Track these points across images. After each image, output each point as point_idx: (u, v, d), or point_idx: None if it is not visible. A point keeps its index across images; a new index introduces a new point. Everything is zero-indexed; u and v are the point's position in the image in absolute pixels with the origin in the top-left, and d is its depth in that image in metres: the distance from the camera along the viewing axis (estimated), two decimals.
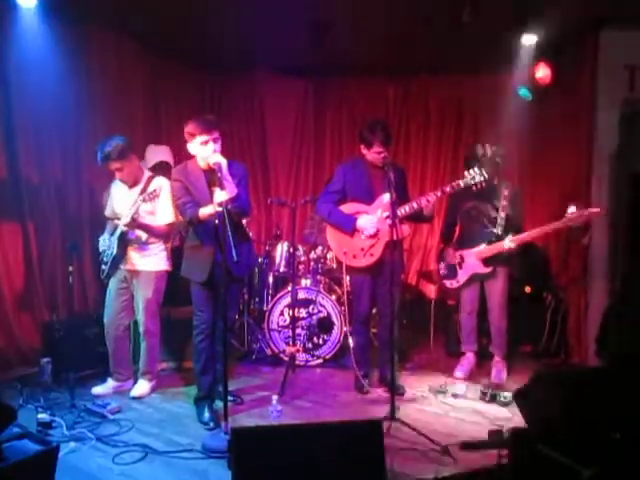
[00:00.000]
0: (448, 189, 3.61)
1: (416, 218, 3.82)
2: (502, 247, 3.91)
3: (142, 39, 4.79)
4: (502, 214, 4.00)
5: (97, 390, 3.71)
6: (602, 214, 3.71)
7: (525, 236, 3.88)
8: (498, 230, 3.99)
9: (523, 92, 4.90)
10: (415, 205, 3.64)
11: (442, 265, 4.27)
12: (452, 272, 4.18)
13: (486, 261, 4.01)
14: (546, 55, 4.61)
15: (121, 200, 3.71)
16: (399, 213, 3.56)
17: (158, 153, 4.47)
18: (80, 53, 4.28)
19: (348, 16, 4.31)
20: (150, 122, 5.10)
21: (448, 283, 4.24)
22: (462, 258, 4.12)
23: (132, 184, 3.68)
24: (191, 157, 3.37)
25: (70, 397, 3.46)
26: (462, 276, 4.13)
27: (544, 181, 5.12)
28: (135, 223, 3.51)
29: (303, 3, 4.01)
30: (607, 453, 2.10)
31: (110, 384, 3.78)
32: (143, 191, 3.53)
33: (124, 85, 4.72)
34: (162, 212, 3.65)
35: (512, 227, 4.00)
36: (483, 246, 4.01)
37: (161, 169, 4.33)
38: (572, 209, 3.69)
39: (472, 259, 4.06)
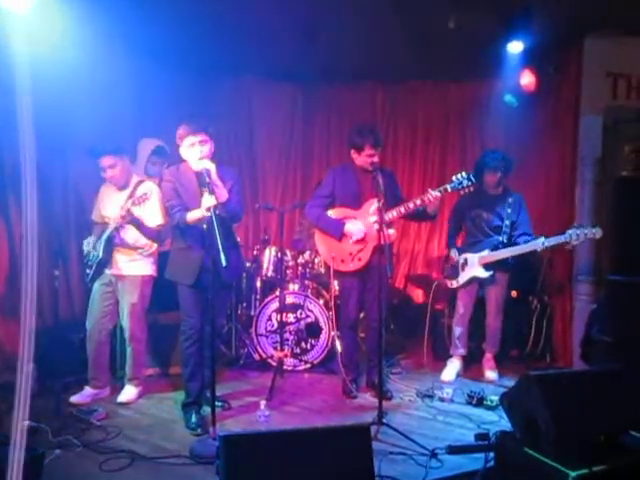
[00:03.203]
0: (436, 194, 3.63)
1: (420, 216, 3.84)
2: (536, 247, 3.90)
3: (131, 42, 4.76)
4: (507, 222, 4.13)
5: (74, 399, 3.65)
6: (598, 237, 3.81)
7: (556, 239, 3.86)
8: (503, 238, 4.12)
9: (509, 99, 4.96)
10: (402, 210, 3.66)
11: (447, 266, 4.40)
12: (455, 273, 4.30)
13: (487, 266, 4.12)
14: (531, 62, 4.67)
15: (109, 203, 3.69)
16: (388, 217, 3.58)
17: (153, 142, 4.43)
18: (69, 54, 4.24)
19: (336, 23, 4.33)
20: (138, 126, 5.07)
21: (449, 283, 4.36)
22: (466, 261, 4.23)
23: (122, 186, 3.66)
24: (182, 160, 3.37)
25: (56, 403, 3.42)
26: (462, 278, 4.25)
27: (529, 186, 5.17)
28: (128, 217, 3.45)
29: (292, 9, 4.02)
30: (592, 456, 2.13)
31: (87, 392, 3.72)
32: (132, 195, 3.51)
33: (113, 88, 4.68)
34: (151, 215, 3.62)
35: (520, 234, 4.12)
36: (486, 252, 4.11)
37: (160, 154, 4.31)
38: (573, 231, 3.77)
39: (474, 263, 4.17)
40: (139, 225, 3.57)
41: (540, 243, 3.89)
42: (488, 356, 4.34)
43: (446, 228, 4.79)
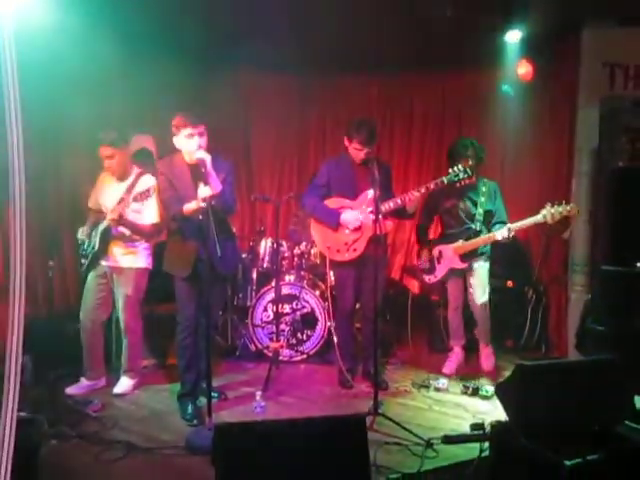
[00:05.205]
0: (432, 186, 3.63)
1: (398, 214, 3.85)
2: (498, 237, 3.85)
3: (126, 33, 4.72)
4: (480, 210, 4.04)
5: (70, 390, 3.65)
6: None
7: (521, 224, 3.83)
8: (476, 226, 4.03)
9: (505, 89, 4.94)
10: (399, 201, 3.68)
11: (421, 261, 4.30)
12: (431, 267, 4.21)
13: (463, 256, 4.04)
14: (528, 52, 4.65)
15: (107, 193, 3.66)
16: (383, 209, 3.58)
17: (142, 141, 4.41)
18: (60, 43, 4.19)
19: (332, 13, 4.30)
20: (134, 117, 5.03)
21: (427, 278, 4.27)
22: (440, 253, 4.15)
23: (120, 177, 3.64)
24: (177, 151, 3.34)
25: (51, 394, 3.41)
26: (440, 271, 4.16)
27: (526, 177, 5.18)
28: (122, 220, 3.47)
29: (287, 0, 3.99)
30: (587, 445, 2.14)
31: (83, 383, 3.73)
32: (131, 187, 3.47)
33: (107, 79, 4.64)
34: (148, 212, 3.59)
35: (496, 222, 4.04)
36: (461, 242, 4.03)
37: (142, 156, 4.27)
38: (547, 210, 3.71)
39: (450, 254, 4.08)
40: (132, 228, 3.57)
41: (507, 228, 3.82)
42: (482, 345, 4.28)
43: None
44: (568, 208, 3.70)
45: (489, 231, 4.01)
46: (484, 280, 4.13)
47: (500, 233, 3.86)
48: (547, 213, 3.70)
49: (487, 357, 4.25)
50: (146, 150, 4.32)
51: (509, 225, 3.85)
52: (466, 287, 4.19)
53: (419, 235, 4.42)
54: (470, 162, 3.95)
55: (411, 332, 4.95)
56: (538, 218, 3.74)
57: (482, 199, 4.06)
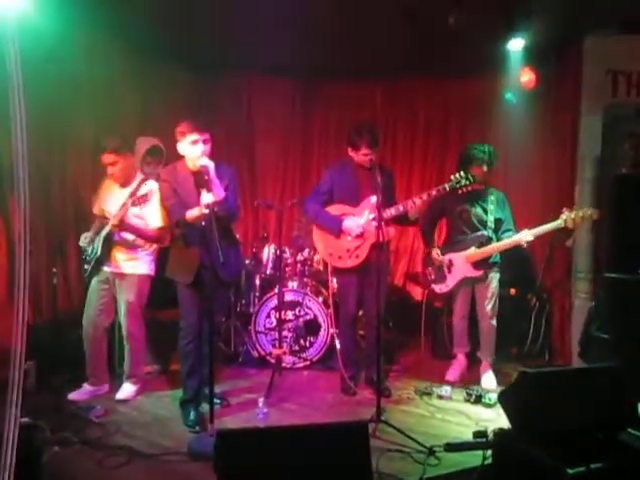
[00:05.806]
0: (434, 192, 3.63)
1: (401, 221, 3.84)
2: (519, 242, 3.77)
3: (129, 39, 4.76)
4: (491, 217, 4.01)
5: (73, 396, 3.65)
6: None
7: (540, 230, 3.76)
8: (488, 232, 3.98)
9: (508, 96, 4.95)
10: (401, 208, 3.68)
11: (429, 269, 4.19)
12: (440, 276, 4.11)
13: (476, 264, 3.98)
14: (531, 60, 4.66)
15: (111, 199, 3.67)
16: (385, 215, 3.58)
17: (149, 141, 4.41)
18: (67, 52, 4.23)
19: (335, 18, 4.32)
20: (138, 122, 5.06)
21: (437, 288, 4.15)
22: (451, 262, 4.06)
23: (123, 183, 3.65)
24: (179, 158, 3.36)
25: (54, 400, 3.42)
26: (451, 280, 4.07)
27: (529, 184, 5.17)
28: (124, 225, 3.48)
29: (290, 4, 4.01)
30: (590, 453, 2.13)
31: (86, 389, 3.73)
32: (134, 193, 3.47)
33: (111, 84, 4.67)
34: (151, 216, 3.60)
35: (505, 230, 4.01)
36: (473, 249, 3.96)
37: (155, 154, 4.27)
38: (567, 215, 3.67)
39: (462, 263, 4.00)
40: (135, 232, 3.58)
41: (525, 234, 3.75)
42: (484, 364, 4.16)
43: (443, 225, 4.52)
44: (589, 212, 3.67)
45: (498, 239, 3.98)
46: (495, 291, 4.07)
47: (521, 237, 3.77)
48: (567, 218, 3.66)
49: (490, 378, 4.09)
50: (158, 148, 4.32)
51: (527, 230, 3.78)
52: (473, 296, 4.14)
53: (426, 239, 4.33)
54: (485, 168, 3.95)
55: (415, 339, 4.94)
56: (558, 223, 3.69)
57: (492, 207, 4.02)
